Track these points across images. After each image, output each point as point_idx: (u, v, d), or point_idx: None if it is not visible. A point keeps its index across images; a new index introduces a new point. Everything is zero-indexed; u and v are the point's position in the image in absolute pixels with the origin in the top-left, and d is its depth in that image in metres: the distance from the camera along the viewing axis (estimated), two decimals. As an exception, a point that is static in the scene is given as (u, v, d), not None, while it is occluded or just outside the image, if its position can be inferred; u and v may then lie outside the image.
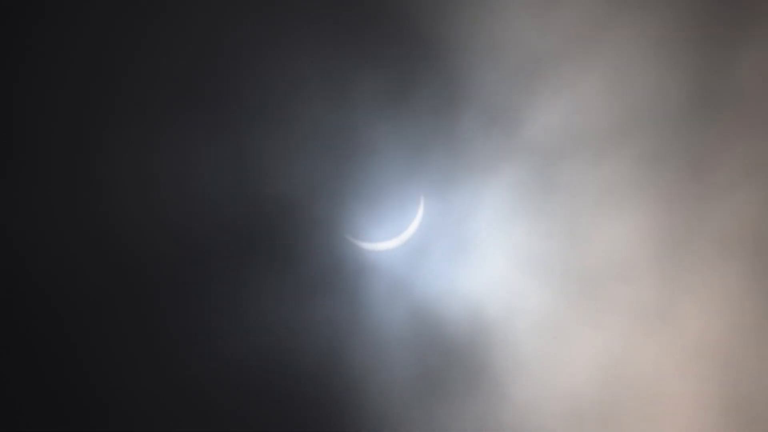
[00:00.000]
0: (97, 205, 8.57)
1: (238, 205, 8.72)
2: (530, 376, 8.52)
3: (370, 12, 8.73)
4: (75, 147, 8.74)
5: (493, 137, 8.67)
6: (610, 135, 8.47)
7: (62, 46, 8.80)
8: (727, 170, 8.16)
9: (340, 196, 8.75)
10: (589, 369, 8.43)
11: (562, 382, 8.45)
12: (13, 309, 8.42)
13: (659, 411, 8.24)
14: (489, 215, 8.68)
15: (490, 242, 8.67)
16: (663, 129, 8.32)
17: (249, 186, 8.74)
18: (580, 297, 8.48)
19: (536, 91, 8.61)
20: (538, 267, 8.58)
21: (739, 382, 8.04)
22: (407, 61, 8.72)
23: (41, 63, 8.85)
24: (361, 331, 8.67)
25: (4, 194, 8.52)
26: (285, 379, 8.61)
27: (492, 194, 8.67)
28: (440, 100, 8.72)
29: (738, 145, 8.13)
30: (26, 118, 8.70)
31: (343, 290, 8.70)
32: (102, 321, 8.49)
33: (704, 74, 8.21)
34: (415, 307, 8.70)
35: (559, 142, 8.57)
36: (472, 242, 8.69)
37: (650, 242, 8.32)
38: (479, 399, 8.56)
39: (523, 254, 8.63)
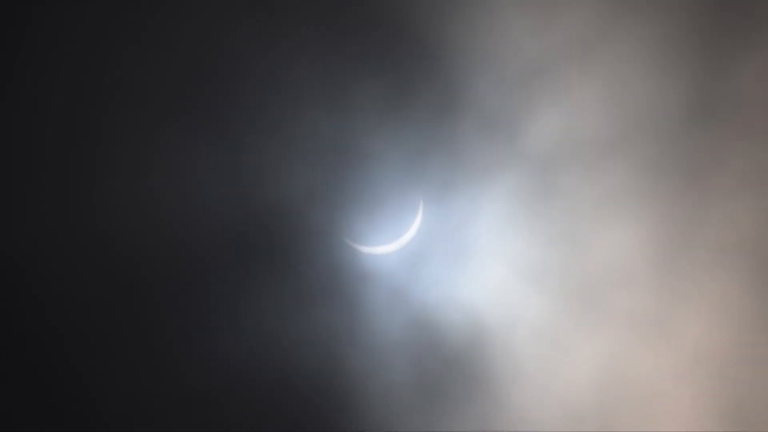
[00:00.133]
0: (94, 213, 8.56)
1: (236, 211, 8.71)
2: (529, 384, 8.54)
3: (368, 17, 8.70)
4: (72, 154, 8.72)
5: (492, 144, 8.66)
6: (609, 142, 8.46)
7: (58, 54, 8.77)
8: (726, 178, 8.15)
9: (339, 203, 8.74)
10: (588, 376, 8.44)
11: (560, 389, 8.47)
12: (11, 317, 8.42)
13: (657, 419, 8.27)
14: (488, 222, 8.68)
15: (489, 249, 8.66)
16: (662, 136, 8.31)
17: (247, 192, 8.73)
18: (579, 304, 8.48)
19: (535, 98, 8.59)
20: (537, 274, 8.59)
21: (736, 390, 8.06)
22: (406, 67, 8.69)
23: (37, 70, 8.83)
24: (360, 338, 8.68)
25: (1, 204, 8.51)
26: (284, 385, 8.62)
27: (491, 201, 8.66)
28: (439, 106, 8.71)
29: (737, 153, 8.12)
30: (22, 127, 8.68)
31: (342, 297, 8.70)
32: (100, 329, 8.49)
33: (703, 82, 8.19)
34: (415, 313, 8.70)
35: (559, 149, 8.55)
36: (471, 249, 8.69)
37: (649, 250, 8.32)
38: (478, 406, 8.57)
39: (522, 261, 8.63)
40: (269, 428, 8.61)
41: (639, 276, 8.33)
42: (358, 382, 8.65)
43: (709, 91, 8.15)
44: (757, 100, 8.04)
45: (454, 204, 8.73)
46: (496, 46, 8.62)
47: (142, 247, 8.61)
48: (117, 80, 8.86)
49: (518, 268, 8.64)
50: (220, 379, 8.57)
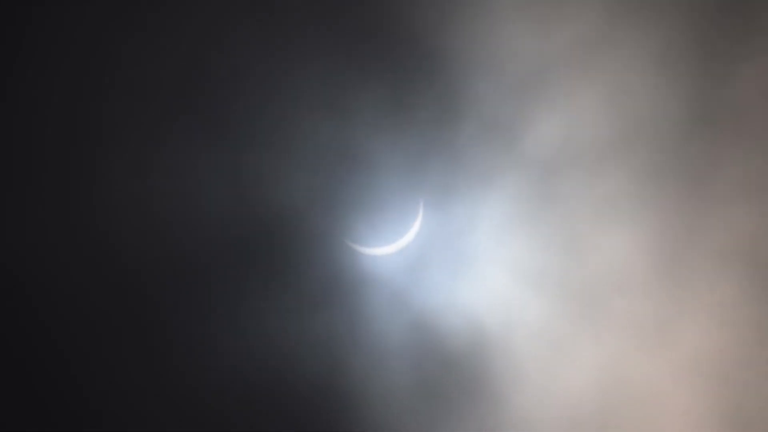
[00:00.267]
0: (94, 220, 8.50)
1: (237, 214, 8.68)
2: (529, 387, 8.55)
3: (369, 23, 8.73)
4: (72, 155, 8.67)
5: (493, 149, 8.69)
6: (608, 148, 8.52)
7: (58, 54, 8.72)
8: (725, 185, 8.24)
9: (339, 206, 8.74)
10: (587, 380, 8.47)
11: (560, 393, 8.49)
12: (11, 321, 8.33)
13: (656, 422, 8.30)
14: (488, 226, 8.70)
15: (489, 253, 8.69)
16: (662, 143, 8.38)
17: (247, 195, 8.71)
18: (579, 308, 8.52)
19: (536, 104, 8.64)
20: (537, 278, 8.62)
21: (735, 393, 8.11)
22: (407, 73, 8.72)
23: (37, 70, 8.78)
24: (361, 341, 8.66)
25: (1, 206, 8.43)
26: (285, 387, 8.58)
27: (491, 205, 8.69)
28: (440, 110, 8.74)
29: (736, 159, 8.21)
30: (22, 127, 8.61)
31: (343, 300, 8.68)
32: (99, 332, 8.41)
33: (703, 88, 8.28)
34: (415, 317, 8.70)
35: (558, 154, 8.61)
36: (471, 253, 8.71)
37: (648, 255, 8.37)
38: (478, 409, 8.57)
39: (521, 266, 8.66)
40: (270, 430, 8.55)
41: (638, 280, 8.38)
42: (358, 385, 8.63)
43: (709, 97, 8.25)
44: (757, 106, 8.14)
45: (455, 208, 8.75)
46: (497, 51, 8.67)
47: (142, 250, 8.55)
48: (117, 81, 8.82)
49: (518, 272, 8.66)
50: (220, 380, 8.52)
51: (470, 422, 8.58)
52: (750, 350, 8.12)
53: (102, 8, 8.91)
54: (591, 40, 8.55)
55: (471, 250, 8.72)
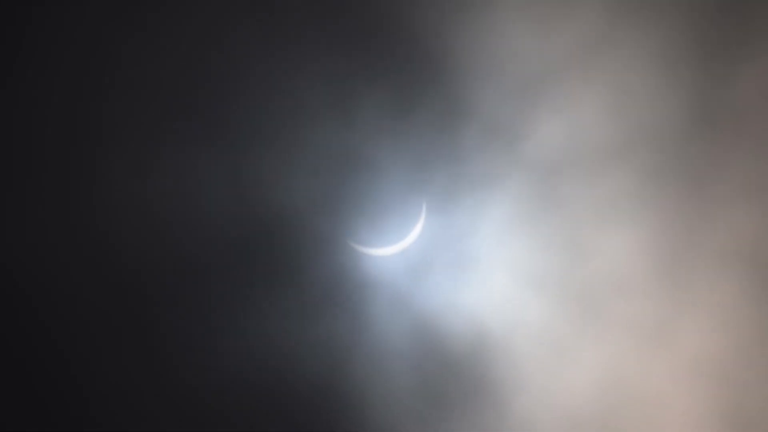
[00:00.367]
0: (94, 223, 8.45)
1: (238, 220, 8.65)
2: (530, 390, 8.55)
3: (372, 27, 8.74)
4: (71, 161, 8.61)
5: (495, 152, 8.72)
6: (610, 150, 8.56)
7: (58, 54, 8.68)
8: (726, 186, 8.29)
9: (341, 209, 8.73)
10: (589, 383, 8.48)
11: (561, 395, 8.49)
12: (11, 328, 8.26)
13: (657, 423, 8.32)
14: (490, 229, 8.71)
15: (491, 256, 8.69)
16: (663, 145, 8.43)
17: (249, 197, 8.68)
18: (580, 311, 8.54)
19: (538, 107, 8.68)
20: (539, 281, 8.63)
21: (736, 394, 8.15)
22: (409, 76, 8.74)
23: (37, 70, 8.72)
24: (362, 344, 8.63)
25: (1, 208, 8.36)
26: (287, 390, 8.54)
27: (493, 208, 8.70)
28: (442, 114, 8.76)
29: (737, 161, 8.27)
30: (22, 129, 8.56)
31: (345, 303, 8.66)
32: (102, 337, 8.34)
33: (704, 90, 8.34)
34: (417, 321, 8.69)
35: (560, 157, 8.64)
36: (473, 256, 8.72)
37: (650, 257, 8.41)
38: (480, 411, 8.56)
39: (523, 268, 8.67)
40: (271, 431, 8.51)
41: (640, 282, 8.41)
42: (359, 386, 8.60)
43: (710, 97, 8.31)
44: (757, 107, 8.21)
45: (457, 211, 8.76)
46: (499, 55, 8.71)
47: (143, 250, 8.50)
48: (117, 81, 8.78)
49: (520, 274, 8.68)
50: (220, 381, 8.47)
51: (471, 424, 8.57)
52: (751, 351, 8.17)
53: (102, 8, 8.87)
54: (592, 41, 8.60)
55: (473, 252, 8.73)
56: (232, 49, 8.81)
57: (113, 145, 8.69)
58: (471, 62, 8.70)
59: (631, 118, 8.50)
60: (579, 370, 8.50)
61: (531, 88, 8.68)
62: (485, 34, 8.67)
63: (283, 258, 8.67)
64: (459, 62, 8.71)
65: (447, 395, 8.63)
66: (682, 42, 8.38)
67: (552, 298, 8.60)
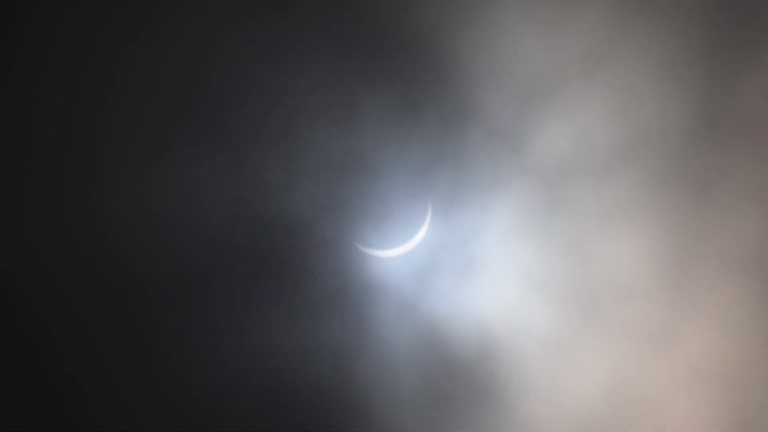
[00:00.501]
0: (98, 227, 8.35)
1: (242, 222, 8.59)
2: (536, 394, 8.55)
3: (376, 31, 8.71)
4: (72, 165, 8.52)
5: (500, 157, 8.71)
6: (616, 155, 8.58)
7: (57, 61, 8.59)
8: (731, 191, 8.33)
9: (346, 214, 8.69)
10: (595, 387, 8.50)
11: (568, 400, 8.50)
12: (12, 332, 8.16)
13: (663, 428, 8.35)
14: (496, 234, 8.71)
15: (496, 261, 8.69)
16: (668, 150, 8.46)
17: (253, 203, 8.62)
18: (586, 316, 8.55)
19: (543, 111, 8.68)
20: (545, 285, 8.64)
21: (744, 401, 8.19)
22: (414, 80, 8.71)
23: (37, 71, 8.63)
24: (368, 349, 8.60)
25: (1, 215, 8.26)
26: (292, 396, 8.49)
27: (499, 213, 8.70)
28: (447, 120, 8.73)
29: (743, 166, 8.31)
30: (22, 132, 8.46)
31: (350, 308, 8.62)
32: (105, 344, 8.26)
33: (709, 95, 8.38)
34: (423, 326, 8.67)
35: (566, 162, 8.65)
36: (479, 261, 8.71)
37: (655, 262, 8.44)
38: (485, 416, 8.55)
39: (529, 273, 8.67)
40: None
41: (646, 287, 8.44)
42: (365, 390, 8.57)
43: (716, 104, 8.34)
44: (763, 112, 8.25)
45: (462, 216, 8.75)
46: (504, 59, 8.70)
47: (146, 256, 8.42)
48: (118, 83, 8.70)
49: (525, 279, 8.68)
50: (225, 386, 8.41)
51: (476, 426, 8.56)
52: (755, 354, 8.21)
53: (103, 8, 8.79)
54: (597, 45, 8.62)
55: (478, 257, 8.72)
56: (235, 50, 8.74)
57: (114, 147, 8.60)
58: (476, 65, 8.69)
59: (636, 123, 8.52)
60: (584, 373, 8.52)
61: (536, 92, 8.68)
62: (490, 37, 8.66)
63: (287, 261, 8.62)
64: (464, 65, 8.69)
65: (452, 398, 8.62)
66: (687, 46, 8.41)
67: (557, 301, 8.61)
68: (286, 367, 8.48)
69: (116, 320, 8.28)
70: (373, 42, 8.74)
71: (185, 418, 8.30)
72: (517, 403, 8.56)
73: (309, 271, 8.63)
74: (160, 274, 8.39)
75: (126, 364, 8.28)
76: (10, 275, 8.20)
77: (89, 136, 8.62)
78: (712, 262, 8.35)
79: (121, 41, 8.71)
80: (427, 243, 8.77)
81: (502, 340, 8.62)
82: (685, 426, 8.28)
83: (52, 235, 8.39)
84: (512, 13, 8.60)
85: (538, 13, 8.59)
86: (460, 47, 8.69)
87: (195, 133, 8.70)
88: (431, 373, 8.64)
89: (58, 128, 8.63)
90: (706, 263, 8.36)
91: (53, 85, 8.67)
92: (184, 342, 8.36)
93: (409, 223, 8.70)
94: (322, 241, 8.67)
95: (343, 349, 8.59)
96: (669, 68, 8.46)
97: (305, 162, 8.70)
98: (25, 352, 8.19)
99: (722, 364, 8.27)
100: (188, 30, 8.79)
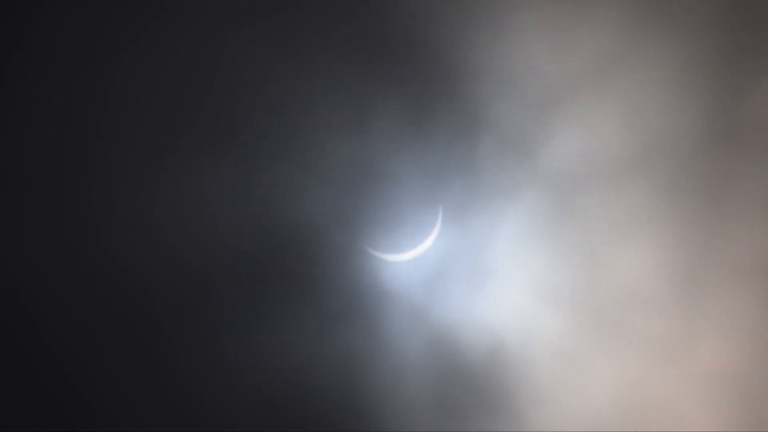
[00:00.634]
0: (103, 239, 8.20)
1: (251, 230, 8.47)
2: (546, 402, 8.57)
3: (388, 35, 8.61)
4: (72, 174, 8.34)
5: (511, 165, 8.67)
6: (627, 164, 8.58)
7: (57, 61, 8.39)
8: (743, 200, 8.37)
9: (356, 221, 8.61)
10: (607, 397, 8.53)
11: (580, 409, 8.52)
12: (15, 339, 7.99)
13: (674, 437, 8.42)
14: (507, 242, 8.68)
15: (507, 269, 8.66)
16: (680, 158, 8.47)
17: (262, 211, 8.50)
18: (598, 324, 8.56)
19: (554, 120, 8.65)
20: (556, 294, 8.63)
21: (754, 410, 8.27)
22: (425, 89, 8.63)
23: (37, 71, 8.42)
24: (379, 358, 8.55)
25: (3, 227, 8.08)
26: (303, 404, 8.43)
27: (510, 221, 8.66)
28: (458, 127, 8.68)
29: (754, 174, 8.35)
30: (23, 139, 8.26)
31: (360, 316, 8.56)
32: (112, 356, 8.13)
33: (721, 103, 8.39)
34: (434, 333, 8.63)
35: (577, 170, 8.63)
36: (490, 269, 8.68)
37: (667, 271, 8.46)
38: (497, 425, 8.55)
39: (540, 281, 8.66)
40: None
41: (657, 296, 8.46)
42: (376, 400, 8.52)
43: (728, 112, 8.36)
44: (776, 124, 8.29)
45: (473, 224, 8.71)
46: (516, 68, 8.65)
47: (153, 266, 8.29)
48: (120, 88, 8.51)
49: (537, 288, 8.66)
50: (237, 397, 8.32)
51: (488, 437, 8.57)
52: (767, 365, 8.29)
53: (103, 8, 8.59)
54: (609, 53, 8.59)
55: (489, 265, 8.69)
56: (243, 54, 8.59)
57: (117, 154, 8.43)
58: (488, 73, 8.63)
59: (648, 131, 8.52)
60: (595, 383, 8.54)
61: (548, 100, 8.64)
62: (503, 45, 8.60)
63: (297, 269, 8.53)
64: (476, 73, 8.63)
65: (462, 405, 8.60)
66: (700, 54, 8.41)
67: (568, 309, 8.61)
68: (295, 374, 8.41)
69: (124, 330, 8.16)
70: (385, 48, 8.64)
71: (196, 426, 8.22)
72: (527, 410, 8.57)
73: (319, 278, 8.54)
74: (168, 284, 8.27)
75: (134, 374, 8.16)
76: (12, 281, 8.04)
77: (90, 140, 8.45)
78: (723, 271, 8.40)
79: (123, 43, 8.53)
80: (437, 250, 8.72)
81: (512, 348, 8.61)
82: (696, 434, 8.36)
83: (53, 241, 8.23)
84: (525, 22, 8.54)
85: (551, 21, 8.54)
86: (472, 55, 8.62)
87: (201, 137, 8.55)
88: (441, 381, 8.61)
89: (58, 130, 8.45)
90: (717, 272, 8.41)
91: (53, 86, 8.48)
92: (194, 351, 8.26)
93: (420, 229, 8.65)
94: (332, 248, 8.58)
95: (353, 356, 8.54)
96: (681, 76, 8.46)
97: (316, 168, 8.60)
98: (28, 358, 8.04)
99: (733, 373, 8.33)
100: (193, 29, 8.62)
